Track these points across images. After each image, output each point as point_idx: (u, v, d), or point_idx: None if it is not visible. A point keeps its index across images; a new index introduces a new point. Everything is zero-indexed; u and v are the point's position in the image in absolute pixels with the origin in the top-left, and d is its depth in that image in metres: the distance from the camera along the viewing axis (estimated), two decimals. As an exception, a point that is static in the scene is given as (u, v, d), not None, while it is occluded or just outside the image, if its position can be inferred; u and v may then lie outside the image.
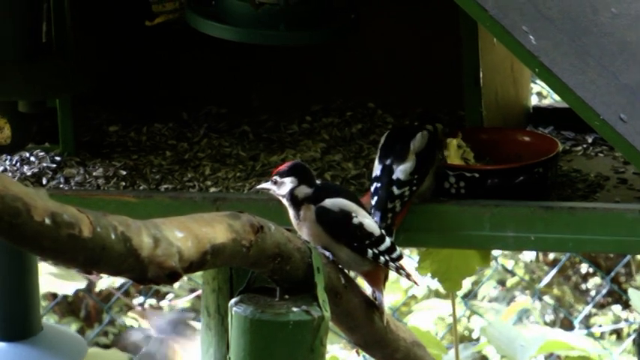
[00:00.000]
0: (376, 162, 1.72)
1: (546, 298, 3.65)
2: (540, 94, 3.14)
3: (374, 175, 1.71)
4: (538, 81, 2.48)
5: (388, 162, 1.72)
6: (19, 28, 1.92)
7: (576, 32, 1.78)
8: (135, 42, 2.07)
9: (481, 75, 1.82)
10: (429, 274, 2.18)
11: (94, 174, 1.88)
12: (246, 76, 2.10)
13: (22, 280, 1.95)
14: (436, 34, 1.98)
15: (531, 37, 1.62)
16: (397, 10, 2.03)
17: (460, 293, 3.07)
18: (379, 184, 1.71)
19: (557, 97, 1.91)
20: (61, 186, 1.86)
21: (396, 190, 1.70)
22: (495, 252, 3.35)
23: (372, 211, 1.70)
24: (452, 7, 1.66)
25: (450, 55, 1.90)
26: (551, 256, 3.71)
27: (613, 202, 1.68)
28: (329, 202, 1.61)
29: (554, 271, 3.53)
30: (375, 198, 1.70)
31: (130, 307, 3.50)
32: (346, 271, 1.66)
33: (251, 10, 1.80)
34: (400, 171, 1.70)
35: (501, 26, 1.61)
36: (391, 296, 3.49)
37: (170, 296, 3.58)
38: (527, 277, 3.68)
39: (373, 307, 1.68)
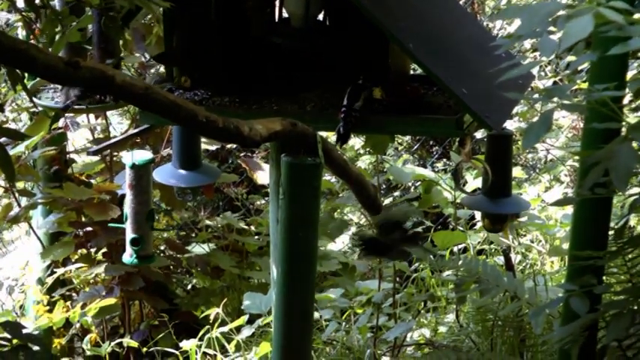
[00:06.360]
0: (345, 99, 2.32)
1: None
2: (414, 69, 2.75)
3: (343, 104, 2.32)
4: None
5: (351, 100, 2.32)
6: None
7: (443, 45, 2.45)
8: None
9: (390, 60, 2.46)
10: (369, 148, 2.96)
11: (225, 100, 2.50)
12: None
13: (192, 137, 2.64)
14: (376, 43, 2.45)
15: (412, 45, 2.25)
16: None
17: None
18: (345, 109, 2.33)
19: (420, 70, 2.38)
20: (211, 106, 2.45)
21: (353, 113, 2.32)
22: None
23: (341, 120, 2.28)
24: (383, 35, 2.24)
25: (382, 53, 2.45)
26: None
27: (443, 115, 2.34)
28: None
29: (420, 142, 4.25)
30: (343, 115, 2.31)
31: (240, 156, 4.29)
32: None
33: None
34: (356, 105, 2.33)
35: (406, 47, 2.24)
36: (348, 154, 4.06)
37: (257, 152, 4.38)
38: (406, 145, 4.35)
39: (342, 158, 2.32)
